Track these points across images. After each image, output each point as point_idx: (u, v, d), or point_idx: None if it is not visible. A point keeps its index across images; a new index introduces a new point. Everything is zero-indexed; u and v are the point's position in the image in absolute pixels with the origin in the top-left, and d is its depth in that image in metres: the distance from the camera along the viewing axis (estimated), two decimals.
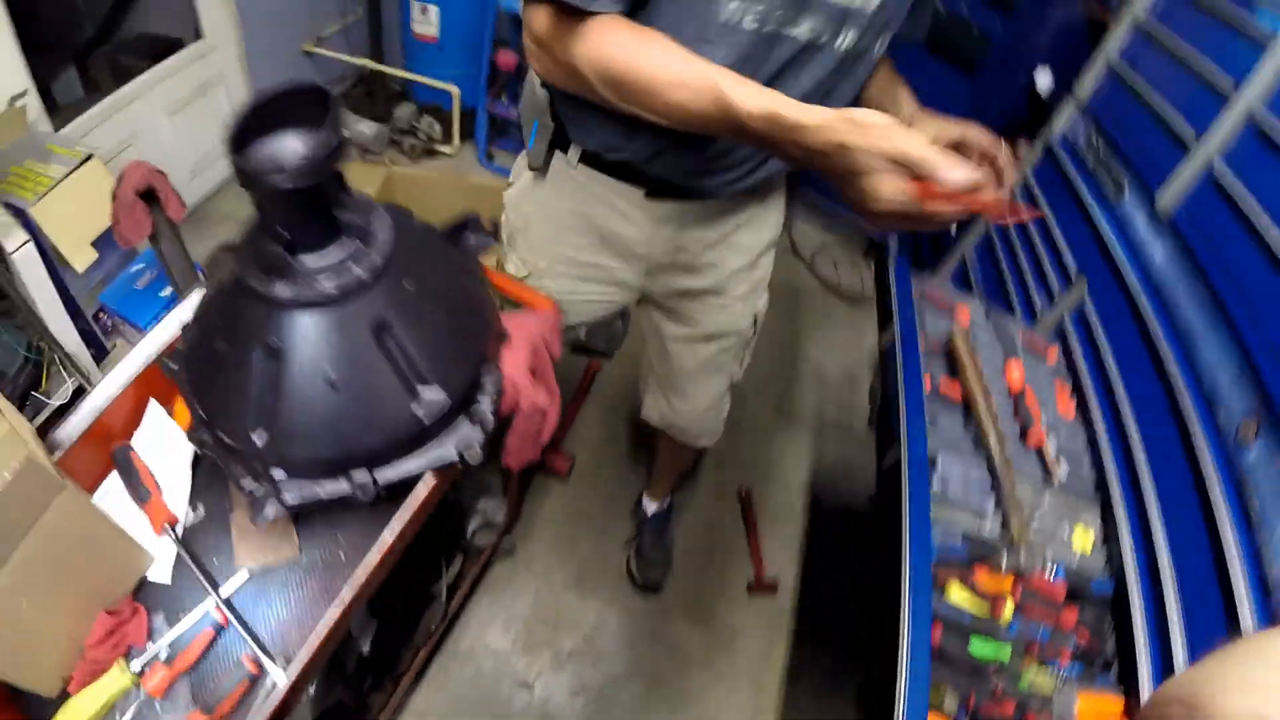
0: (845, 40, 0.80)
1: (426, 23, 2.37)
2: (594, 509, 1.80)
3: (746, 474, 1.92)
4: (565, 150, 0.98)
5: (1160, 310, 1.26)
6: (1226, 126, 1.20)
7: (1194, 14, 1.38)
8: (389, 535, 0.80)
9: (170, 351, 0.94)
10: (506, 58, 2.42)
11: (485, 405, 0.81)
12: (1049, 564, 1.10)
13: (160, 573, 0.86)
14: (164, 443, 0.94)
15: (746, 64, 0.76)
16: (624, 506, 1.81)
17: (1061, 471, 1.20)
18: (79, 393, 1.62)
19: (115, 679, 0.77)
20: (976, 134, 0.83)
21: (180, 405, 0.98)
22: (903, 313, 1.18)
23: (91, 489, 0.91)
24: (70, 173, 1.63)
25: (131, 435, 0.94)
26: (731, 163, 0.91)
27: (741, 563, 1.75)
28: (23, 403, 1.53)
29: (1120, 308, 1.35)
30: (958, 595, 1.04)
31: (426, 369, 0.75)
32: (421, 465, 0.78)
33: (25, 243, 1.49)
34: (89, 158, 1.67)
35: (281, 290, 0.69)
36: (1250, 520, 0.98)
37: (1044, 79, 1.86)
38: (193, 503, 0.91)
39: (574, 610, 1.61)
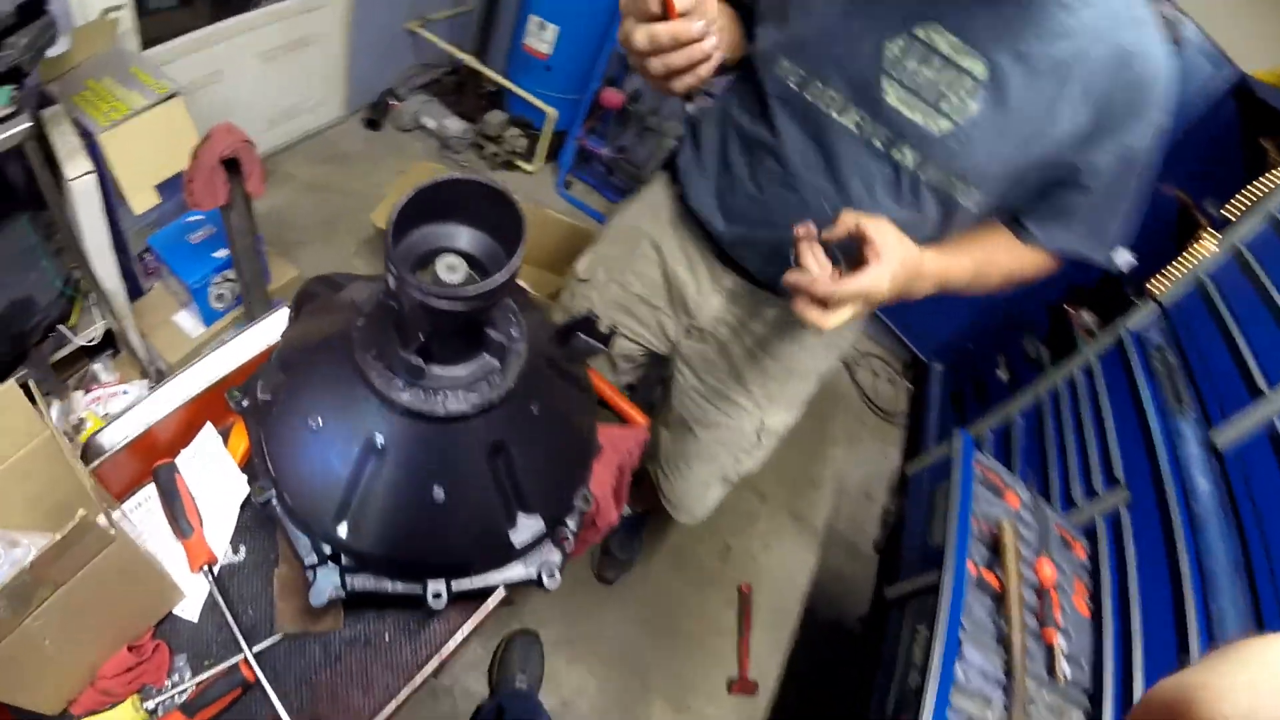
0: (905, 157, 0.82)
1: (542, 39, 2.31)
2: (593, 577, 1.78)
3: (750, 571, 1.91)
4: (676, 179, 1.06)
5: (1191, 540, 1.26)
6: None
7: None
8: (453, 643, 0.78)
9: (238, 380, 0.90)
10: (611, 96, 2.37)
11: (570, 528, 0.79)
12: None
13: (188, 609, 0.83)
14: (213, 471, 0.90)
15: (804, 126, 0.86)
16: (625, 580, 1.79)
17: (1065, 671, 1.22)
18: (108, 335, 1.56)
19: (127, 714, 0.74)
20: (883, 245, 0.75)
21: (235, 434, 0.94)
22: (963, 499, 1.18)
23: (121, 496, 0.87)
24: (150, 107, 1.56)
25: (176, 452, 0.90)
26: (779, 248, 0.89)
27: (728, 658, 1.74)
28: (47, 334, 1.47)
29: (1154, 521, 1.35)
30: None
31: (530, 494, 0.73)
32: (499, 581, 0.75)
33: (88, 173, 1.41)
34: (173, 95, 1.60)
35: (403, 396, 0.65)
36: None
37: (1122, 257, 1.88)
38: (234, 543, 0.87)
39: (558, 671, 1.59)
